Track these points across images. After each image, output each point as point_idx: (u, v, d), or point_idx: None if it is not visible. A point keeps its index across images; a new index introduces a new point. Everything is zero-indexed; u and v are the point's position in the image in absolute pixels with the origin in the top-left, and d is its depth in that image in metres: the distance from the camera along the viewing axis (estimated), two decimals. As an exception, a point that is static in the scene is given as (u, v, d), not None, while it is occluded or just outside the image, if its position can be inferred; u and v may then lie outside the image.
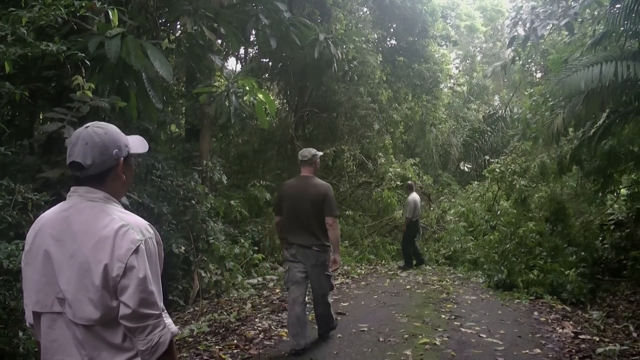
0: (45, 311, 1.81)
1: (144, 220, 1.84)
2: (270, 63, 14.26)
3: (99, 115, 5.33)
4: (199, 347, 5.30)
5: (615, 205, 11.59)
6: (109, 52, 4.92)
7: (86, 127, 1.86)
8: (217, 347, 5.33)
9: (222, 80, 9.23)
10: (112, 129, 1.89)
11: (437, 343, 5.41)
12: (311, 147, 6.06)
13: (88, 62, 4.97)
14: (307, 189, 5.07)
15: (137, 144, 2.00)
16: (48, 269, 1.79)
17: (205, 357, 5.03)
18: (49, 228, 1.83)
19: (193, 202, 7.80)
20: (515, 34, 11.66)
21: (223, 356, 5.02)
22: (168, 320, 1.81)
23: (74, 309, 1.73)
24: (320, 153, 5.43)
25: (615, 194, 11.38)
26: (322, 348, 5.25)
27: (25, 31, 4.24)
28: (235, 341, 5.49)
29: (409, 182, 12.14)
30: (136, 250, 1.71)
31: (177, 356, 1.88)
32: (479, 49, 30.10)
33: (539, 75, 18.79)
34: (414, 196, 11.12)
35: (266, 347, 5.33)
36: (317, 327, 5.52)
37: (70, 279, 1.74)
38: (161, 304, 1.78)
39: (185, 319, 6.83)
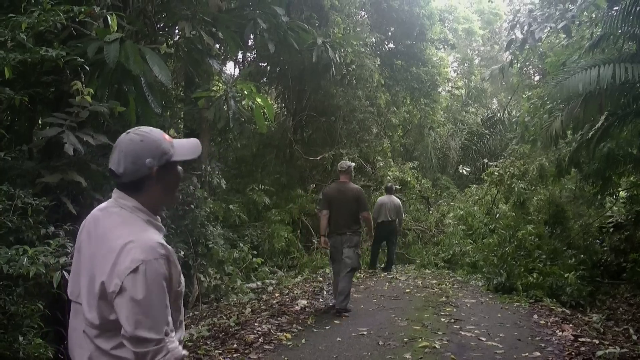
0: (72, 299, 1.84)
1: (156, 239, 1.76)
2: (268, 67, 14.26)
3: (98, 120, 5.34)
4: (198, 352, 5.29)
5: (615, 208, 11.59)
6: (107, 57, 4.93)
7: (127, 133, 1.83)
8: (216, 351, 5.32)
9: (221, 85, 9.23)
10: (151, 136, 1.82)
11: (436, 346, 5.40)
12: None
13: (87, 67, 4.98)
14: (345, 192, 7.02)
15: (184, 149, 1.89)
16: (77, 262, 1.85)
17: (205, 362, 5.03)
18: (89, 223, 1.86)
19: (192, 206, 7.79)
20: (513, 37, 11.68)
21: (223, 361, 5.01)
22: (173, 344, 1.72)
23: (84, 308, 1.75)
24: (353, 164, 7.80)
25: (614, 197, 11.37)
26: (322, 353, 5.25)
27: (24, 37, 4.25)
28: (235, 345, 5.48)
29: (388, 184, 12.15)
30: (135, 270, 1.64)
31: None
32: (476, 52, 30.16)
33: (537, 78, 18.77)
34: (383, 198, 11.11)
35: (266, 351, 5.33)
36: (334, 302, 7.06)
37: (85, 280, 1.77)
38: (166, 328, 1.69)
39: (184, 323, 6.81)
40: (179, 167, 1.92)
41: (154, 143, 1.81)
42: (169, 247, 1.78)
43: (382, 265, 11.49)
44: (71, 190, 5.28)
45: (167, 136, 1.87)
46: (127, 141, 1.79)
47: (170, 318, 1.73)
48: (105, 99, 5.25)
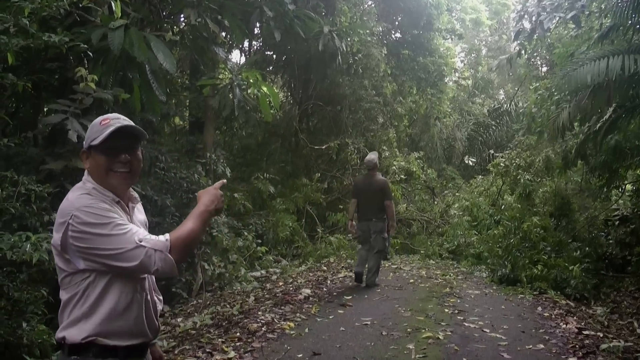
0: None
1: (80, 192, 1.89)
2: (274, 56, 14.20)
3: (103, 107, 5.33)
4: (201, 340, 5.31)
5: (620, 201, 11.53)
6: (112, 44, 4.90)
7: None
8: (219, 339, 5.33)
9: (226, 73, 9.19)
10: (92, 123, 1.99)
11: (440, 337, 5.40)
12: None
13: (91, 54, 4.96)
14: (372, 183, 7.84)
15: (102, 134, 1.91)
16: None
17: (208, 350, 5.04)
18: None
19: (197, 194, 7.79)
20: (521, 27, 11.59)
21: (226, 349, 5.02)
22: (151, 240, 1.85)
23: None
24: (375, 155, 8.17)
25: (620, 190, 11.31)
26: (326, 342, 5.25)
27: (27, 22, 4.22)
28: (238, 334, 5.49)
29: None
30: (66, 228, 1.81)
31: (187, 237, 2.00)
32: (484, 42, 29.91)
33: (544, 69, 18.65)
34: None
35: (269, 339, 5.33)
36: (365, 278, 7.93)
37: None
38: (134, 238, 1.82)
39: (188, 311, 6.84)
40: (108, 152, 1.94)
41: (88, 129, 1.98)
42: (92, 197, 1.88)
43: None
44: (75, 177, 5.28)
45: (105, 122, 1.94)
46: None
47: (128, 227, 1.85)
48: (110, 86, 5.23)
